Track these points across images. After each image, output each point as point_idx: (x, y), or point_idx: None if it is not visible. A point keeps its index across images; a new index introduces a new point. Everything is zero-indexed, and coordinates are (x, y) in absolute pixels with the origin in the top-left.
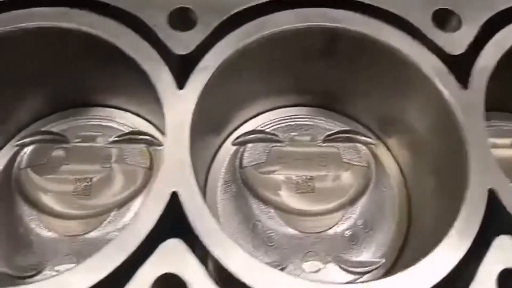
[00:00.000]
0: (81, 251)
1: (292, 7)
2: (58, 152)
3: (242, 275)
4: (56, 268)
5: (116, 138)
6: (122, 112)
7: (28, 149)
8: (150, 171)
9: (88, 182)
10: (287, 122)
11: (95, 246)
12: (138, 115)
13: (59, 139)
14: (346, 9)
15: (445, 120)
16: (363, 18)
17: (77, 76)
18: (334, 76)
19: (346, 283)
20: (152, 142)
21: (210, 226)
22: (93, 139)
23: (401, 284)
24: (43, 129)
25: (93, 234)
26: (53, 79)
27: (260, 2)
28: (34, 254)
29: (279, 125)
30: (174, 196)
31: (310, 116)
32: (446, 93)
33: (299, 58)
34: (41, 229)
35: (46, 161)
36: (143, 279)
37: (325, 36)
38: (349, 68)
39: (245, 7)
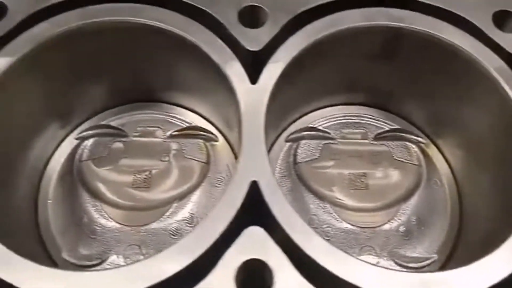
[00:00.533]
0: (144, 241)
1: (357, 6)
2: (118, 146)
3: (323, 261)
4: (120, 257)
5: (174, 133)
6: (181, 109)
7: (88, 142)
8: (208, 165)
9: (147, 175)
10: (339, 120)
11: (158, 237)
12: (196, 112)
13: (118, 133)
14: (409, 9)
15: (507, 119)
16: (427, 18)
17: (142, 71)
18: (392, 75)
19: None
20: (209, 138)
21: (289, 214)
22: (151, 133)
23: (462, 278)
24: (102, 123)
25: (155, 225)
26: (117, 73)
27: (326, 1)
28: (98, 244)
29: (331, 123)
30: (254, 185)
31: (361, 114)
32: (510, 92)
33: (361, 56)
34: (105, 219)
35: (106, 154)
36: (229, 264)
37: (388, 35)
38: (409, 68)
39: (312, 5)
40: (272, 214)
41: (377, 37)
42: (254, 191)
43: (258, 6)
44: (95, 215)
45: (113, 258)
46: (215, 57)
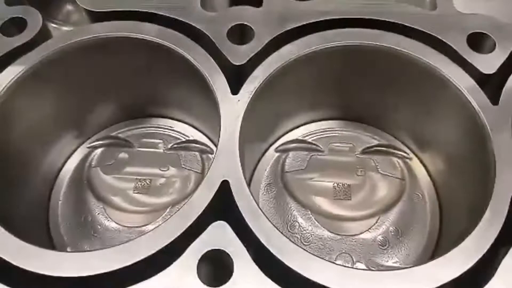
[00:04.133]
0: (355, 250)
1: None
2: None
3: None
4: None
5: (366, 149)
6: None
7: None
8: (404, 181)
9: (346, 187)
10: None
11: (367, 247)
12: (389, 133)
13: None
14: None
15: None
16: None
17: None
18: None
19: None
20: (402, 156)
21: None
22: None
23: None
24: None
25: (363, 235)
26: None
27: None
28: (312, 250)
29: None
30: None
31: None
32: None
33: None
34: (319, 228)
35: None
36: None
37: None
38: None
39: None
40: None
41: None
42: None
43: (484, 33)
44: (308, 223)
45: None
46: (456, 82)
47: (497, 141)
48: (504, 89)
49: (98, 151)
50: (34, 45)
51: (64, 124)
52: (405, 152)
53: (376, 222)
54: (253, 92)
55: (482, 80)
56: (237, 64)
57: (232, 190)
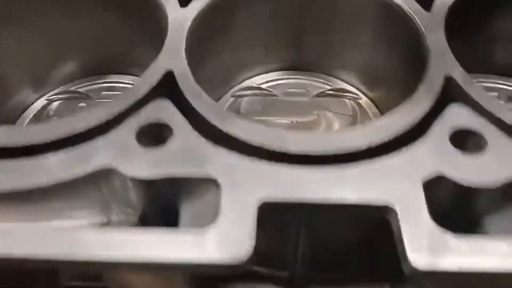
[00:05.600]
0: None
1: None
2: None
3: None
4: None
5: (319, 94)
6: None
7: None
8: (355, 117)
9: (300, 124)
10: None
11: None
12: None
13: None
14: None
15: None
16: None
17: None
18: None
19: None
20: (353, 97)
21: None
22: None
23: None
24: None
25: None
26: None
27: None
28: None
29: None
30: None
31: None
32: None
33: None
34: None
35: None
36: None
37: None
38: None
39: None
40: None
41: None
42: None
43: None
44: None
45: None
46: None
47: (431, 39)
48: None
49: (57, 103)
50: None
51: (22, 74)
52: (356, 94)
53: None
54: (204, 5)
55: None
56: None
57: (177, 79)
